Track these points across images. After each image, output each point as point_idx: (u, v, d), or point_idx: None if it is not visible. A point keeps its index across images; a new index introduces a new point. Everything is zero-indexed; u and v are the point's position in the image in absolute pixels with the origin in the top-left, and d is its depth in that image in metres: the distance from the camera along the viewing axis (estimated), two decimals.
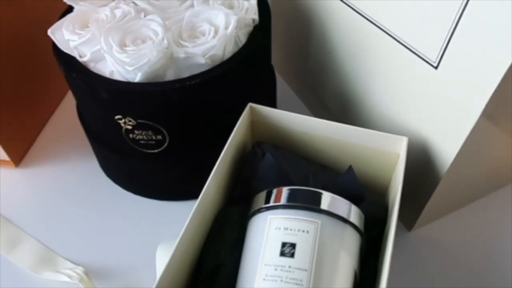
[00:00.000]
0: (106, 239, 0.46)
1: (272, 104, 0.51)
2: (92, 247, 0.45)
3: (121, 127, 0.40)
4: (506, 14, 0.27)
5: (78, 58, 0.39)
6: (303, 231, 0.31)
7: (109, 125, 0.40)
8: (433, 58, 0.34)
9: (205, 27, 0.38)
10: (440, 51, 0.33)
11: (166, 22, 0.38)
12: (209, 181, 0.34)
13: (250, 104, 0.39)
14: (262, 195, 0.33)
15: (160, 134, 0.40)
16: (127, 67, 0.36)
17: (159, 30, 0.37)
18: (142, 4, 0.40)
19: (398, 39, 0.37)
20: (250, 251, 0.32)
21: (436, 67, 0.34)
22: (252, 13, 0.40)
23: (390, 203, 0.38)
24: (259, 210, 0.33)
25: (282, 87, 0.61)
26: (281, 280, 0.29)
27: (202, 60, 0.37)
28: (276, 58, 0.62)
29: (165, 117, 0.39)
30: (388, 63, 0.39)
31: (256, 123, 0.41)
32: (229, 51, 0.39)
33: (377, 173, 0.41)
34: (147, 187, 0.48)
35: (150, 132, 0.40)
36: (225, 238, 0.35)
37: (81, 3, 0.41)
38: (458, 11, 0.31)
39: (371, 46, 0.40)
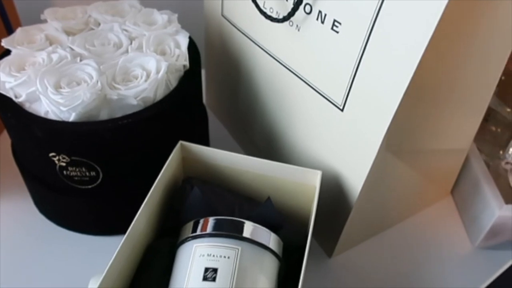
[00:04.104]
0: (41, 277, 0.46)
1: (205, 141, 0.55)
2: (27, 285, 0.45)
3: (55, 164, 0.42)
4: (398, 59, 0.33)
5: (13, 98, 0.41)
6: (224, 256, 0.34)
7: (44, 162, 0.42)
8: (339, 101, 0.39)
9: (138, 71, 0.42)
10: (344, 96, 0.39)
11: (101, 67, 0.41)
12: (138, 214, 0.36)
13: (180, 141, 0.42)
14: (189, 225, 0.36)
15: (93, 171, 0.42)
16: (61, 108, 0.38)
17: (94, 73, 0.40)
18: (78, 50, 0.43)
19: (310, 84, 0.42)
20: (176, 278, 0.35)
21: (342, 109, 0.40)
22: (182, 60, 0.44)
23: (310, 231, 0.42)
24: (186, 239, 0.36)
25: (217, 125, 0.65)
26: None
27: (134, 102, 0.40)
28: (210, 98, 0.66)
29: (98, 154, 0.41)
30: (303, 105, 0.44)
31: (187, 160, 0.44)
32: (160, 94, 0.42)
33: (298, 204, 0.45)
34: (81, 223, 0.49)
35: (83, 169, 0.42)
36: (154, 269, 0.37)
37: (18, 47, 0.43)
38: (356, 60, 0.36)
39: (288, 89, 0.45)
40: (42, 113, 0.40)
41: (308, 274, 0.46)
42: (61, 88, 0.39)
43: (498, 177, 0.49)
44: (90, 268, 0.46)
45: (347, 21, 0.36)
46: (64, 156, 0.41)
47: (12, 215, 0.51)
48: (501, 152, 0.52)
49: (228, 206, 0.42)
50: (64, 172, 0.42)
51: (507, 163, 0.49)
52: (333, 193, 0.44)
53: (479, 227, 0.49)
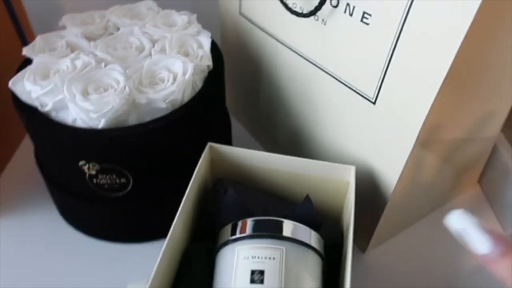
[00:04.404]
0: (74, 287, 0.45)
1: (228, 143, 0.54)
2: None
3: (85, 173, 0.41)
4: (435, 49, 0.32)
5: (39, 108, 0.40)
6: (269, 258, 0.33)
7: (73, 171, 0.41)
8: (371, 94, 0.39)
9: (164, 74, 0.41)
10: (376, 89, 0.38)
11: (127, 71, 0.40)
12: (177, 218, 0.35)
13: (209, 143, 0.42)
14: (228, 228, 0.35)
15: (124, 177, 0.41)
16: (91, 115, 0.38)
17: (121, 78, 0.40)
18: (101, 55, 0.42)
19: (339, 78, 0.41)
20: (221, 281, 0.34)
21: (374, 103, 0.39)
22: (206, 60, 0.44)
23: (344, 228, 0.42)
24: (226, 243, 0.35)
25: (236, 127, 0.64)
26: None
27: (163, 105, 0.39)
28: (230, 101, 0.65)
29: (129, 160, 0.40)
30: (331, 100, 0.44)
31: (215, 161, 0.44)
32: (187, 96, 0.41)
33: (330, 201, 0.44)
34: (111, 230, 0.49)
35: (114, 176, 0.41)
36: (195, 273, 0.36)
37: (40, 54, 0.43)
38: (389, 51, 0.35)
39: (314, 85, 0.45)
40: (69, 121, 0.39)
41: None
42: (88, 94, 0.39)
43: None
44: (123, 276, 0.46)
45: (378, 12, 0.36)
46: (94, 164, 0.40)
47: (39, 227, 0.51)
48: None
49: (263, 206, 0.41)
50: (94, 180, 0.42)
51: None
52: (366, 189, 0.43)
53: (510, 213, 0.48)
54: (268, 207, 0.41)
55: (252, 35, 0.51)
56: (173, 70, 0.41)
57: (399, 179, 0.40)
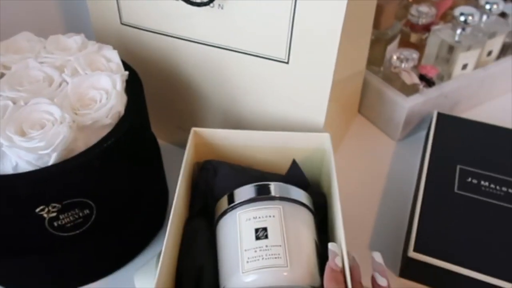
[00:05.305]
0: None
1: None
2: None
3: (44, 218, 0.38)
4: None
5: None
6: (270, 216, 0.37)
7: (24, 224, 0.38)
8: (283, 56, 0.45)
9: (93, 93, 0.40)
10: (286, 50, 0.44)
11: (54, 100, 0.38)
12: (177, 195, 0.38)
13: (193, 128, 0.44)
14: (224, 199, 0.38)
15: (87, 208, 0.40)
16: (40, 152, 0.35)
17: (53, 109, 0.37)
18: (13, 94, 0.39)
19: (250, 53, 0.46)
20: (227, 245, 0.37)
21: (287, 62, 0.45)
22: (122, 71, 0.44)
23: (325, 190, 0.47)
24: (226, 211, 0.38)
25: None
26: (262, 258, 0.35)
27: (108, 121, 0.39)
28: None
29: (90, 188, 0.39)
30: (248, 74, 0.48)
31: (199, 145, 0.46)
32: (123, 106, 0.41)
33: (308, 169, 0.47)
34: (73, 275, 0.45)
35: (76, 210, 0.39)
36: (199, 243, 0.39)
37: None
38: (290, 16, 0.42)
39: (229, 67, 0.49)
40: (10, 170, 0.36)
41: None
42: (26, 134, 0.36)
43: (390, 81, 0.62)
44: None
45: None
46: (54, 205, 0.37)
47: None
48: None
49: (254, 178, 0.43)
50: (55, 223, 0.39)
51: (395, 67, 0.62)
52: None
53: (395, 124, 0.61)
54: (257, 178, 0.43)
55: (142, 41, 0.52)
56: (100, 86, 0.41)
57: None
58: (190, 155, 0.43)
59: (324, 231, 0.43)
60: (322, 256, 0.37)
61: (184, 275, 0.38)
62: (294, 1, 0.41)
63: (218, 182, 0.41)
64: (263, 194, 0.38)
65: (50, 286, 0.46)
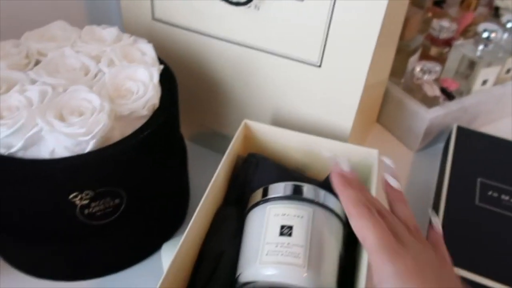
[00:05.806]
0: None
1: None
2: None
3: (76, 205, 0.38)
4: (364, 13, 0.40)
5: (3, 153, 0.35)
6: (298, 216, 0.37)
7: (56, 210, 0.38)
8: (315, 60, 0.46)
9: (129, 84, 0.40)
10: (320, 54, 0.45)
11: (93, 88, 0.39)
12: (211, 184, 0.38)
13: (245, 120, 0.45)
14: (259, 191, 0.39)
15: (118, 197, 0.40)
16: (80, 138, 0.35)
17: (92, 97, 0.38)
18: (53, 81, 0.39)
19: (282, 55, 0.47)
20: (251, 236, 0.37)
21: (320, 66, 0.46)
22: (157, 64, 0.44)
23: None
24: (258, 203, 0.38)
25: None
26: (281, 254, 0.35)
27: (144, 112, 0.39)
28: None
29: (123, 177, 0.39)
30: (278, 76, 0.49)
31: (248, 137, 0.46)
32: (158, 98, 0.42)
33: None
34: (100, 265, 0.45)
35: (108, 199, 0.39)
36: (225, 230, 0.39)
37: None
38: (327, 21, 0.43)
39: (259, 68, 0.49)
40: (47, 155, 0.36)
41: None
42: (66, 120, 0.36)
43: (412, 92, 0.63)
44: None
45: None
46: (87, 192, 0.37)
47: None
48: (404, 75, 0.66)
49: (293, 178, 0.42)
50: (86, 211, 0.39)
51: (417, 79, 0.62)
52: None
53: (415, 135, 0.61)
54: (296, 179, 0.43)
55: (173, 37, 0.53)
56: (137, 78, 0.41)
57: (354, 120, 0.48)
58: (235, 146, 0.43)
59: (352, 244, 0.43)
60: (344, 269, 0.37)
61: (205, 259, 0.38)
62: (332, 4, 0.42)
63: (257, 175, 0.41)
64: (296, 194, 0.38)
65: (70, 275, 0.45)
